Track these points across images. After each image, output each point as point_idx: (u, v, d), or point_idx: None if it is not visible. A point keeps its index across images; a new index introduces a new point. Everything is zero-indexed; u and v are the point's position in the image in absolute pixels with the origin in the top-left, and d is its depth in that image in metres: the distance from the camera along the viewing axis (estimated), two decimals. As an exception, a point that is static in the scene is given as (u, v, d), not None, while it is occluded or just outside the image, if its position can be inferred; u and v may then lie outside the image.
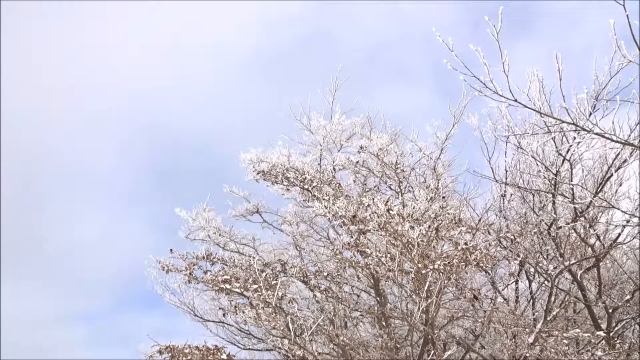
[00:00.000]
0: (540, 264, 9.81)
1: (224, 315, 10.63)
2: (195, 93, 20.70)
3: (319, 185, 10.38)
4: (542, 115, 7.10)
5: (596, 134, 6.72)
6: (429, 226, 8.71)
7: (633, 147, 8.05)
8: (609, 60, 6.73)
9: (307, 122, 11.67)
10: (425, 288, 7.78)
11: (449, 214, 9.47)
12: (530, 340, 8.44)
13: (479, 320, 8.98)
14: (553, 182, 9.49)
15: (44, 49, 19.39)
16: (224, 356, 8.35)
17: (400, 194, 10.96)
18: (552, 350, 8.22)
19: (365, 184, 11.34)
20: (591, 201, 9.08)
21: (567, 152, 9.28)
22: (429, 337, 8.32)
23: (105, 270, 21.74)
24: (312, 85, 12.48)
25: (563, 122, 6.94)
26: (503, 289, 11.20)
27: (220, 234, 12.41)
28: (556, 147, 9.33)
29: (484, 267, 9.00)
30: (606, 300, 9.79)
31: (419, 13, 17.25)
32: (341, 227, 9.71)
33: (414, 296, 8.36)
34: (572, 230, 9.68)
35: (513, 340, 9.08)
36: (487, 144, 10.64)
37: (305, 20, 18.95)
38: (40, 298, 21.73)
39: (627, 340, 10.18)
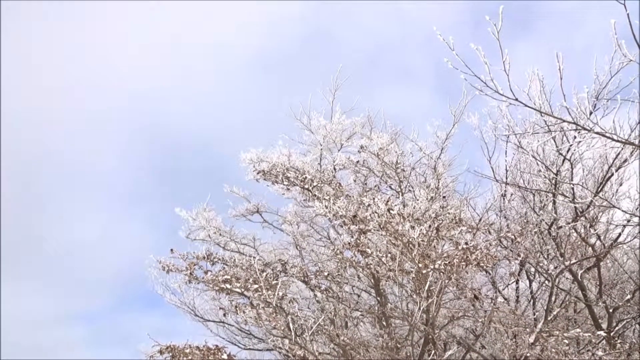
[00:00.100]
0: (541, 264, 9.80)
1: (224, 315, 10.63)
2: (195, 93, 20.71)
3: (319, 185, 10.38)
4: (543, 114, 7.10)
5: (597, 133, 6.72)
6: (430, 226, 8.71)
7: (633, 147, 8.05)
8: (609, 59, 6.74)
9: (307, 121, 11.69)
10: (426, 288, 7.78)
11: (449, 213, 9.46)
12: (531, 340, 8.44)
13: (480, 320, 8.97)
14: (553, 181, 9.49)
15: (44, 49, 19.40)
16: (225, 356, 8.35)
17: (400, 194, 10.96)
18: (553, 350, 8.22)
19: (366, 184, 11.34)
20: (592, 201, 9.07)
21: (568, 151, 9.27)
22: (430, 337, 8.32)
23: (105, 270, 21.75)
24: (312, 85, 12.51)
25: (563, 121, 6.94)
26: (503, 289, 11.20)
27: (220, 234, 12.41)
28: (557, 147, 9.32)
29: (485, 267, 9.00)
30: (607, 300, 9.78)
31: (419, 13, 17.26)
32: (342, 226, 9.71)
33: (414, 296, 8.36)
34: (573, 230, 9.68)
35: (514, 340, 9.07)
36: (488, 143, 10.65)
37: (305, 21, 18.95)
38: (40, 298, 21.75)
39: (628, 340, 10.18)
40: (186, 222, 12.43)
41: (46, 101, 19.75)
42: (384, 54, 19.64)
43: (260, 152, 11.30)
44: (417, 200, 9.98)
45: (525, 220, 10.15)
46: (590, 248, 9.70)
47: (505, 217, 10.72)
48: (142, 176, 21.22)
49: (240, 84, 19.62)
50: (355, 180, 11.36)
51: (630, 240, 10.00)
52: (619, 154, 9.09)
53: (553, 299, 9.65)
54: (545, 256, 9.89)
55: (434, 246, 8.73)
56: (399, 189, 11.06)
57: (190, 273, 9.33)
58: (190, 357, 8.17)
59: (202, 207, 12.44)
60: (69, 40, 19.48)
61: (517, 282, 11.10)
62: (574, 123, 6.74)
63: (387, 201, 9.00)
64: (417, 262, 7.92)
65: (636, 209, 9.39)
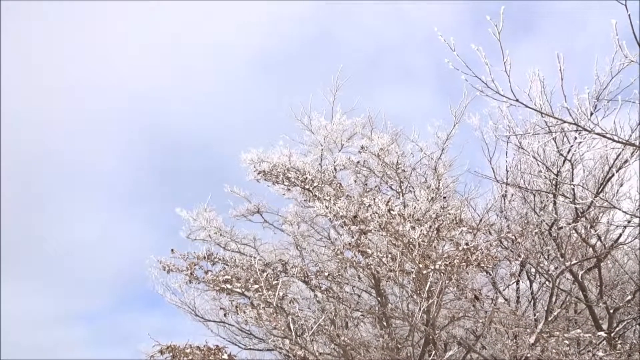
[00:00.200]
0: (541, 265, 9.80)
1: (225, 315, 10.61)
2: (195, 93, 20.70)
3: (319, 185, 10.38)
4: (544, 115, 7.10)
5: (597, 134, 6.71)
6: (430, 226, 8.70)
7: (634, 148, 8.05)
8: (610, 60, 6.74)
9: (307, 122, 11.68)
10: (426, 288, 7.77)
11: (450, 214, 9.46)
12: (532, 340, 8.44)
13: (480, 321, 8.97)
14: (554, 182, 9.49)
15: (44, 49, 19.40)
16: (225, 356, 8.35)
17: (401, 194, 10.96)
18: (553, 350, 8.22)
19: (366, 184, 11.34)
20: (592, 201, 9.07)
21: (568, 152, 9.27)
22: (430, 337, 8.32)
23: (105, 270, 21.76)
24: (312, 85, 12.50)
25: (564, 122, 6.94)
26: (504, 290, 11.20)
27: (221, 234, 12.42)
28: (557, 147, 9.32)
29: (485, 268, 8.99)
30: (607, 301, 9.78)
31: (420, 13, 17.26)
32: (342, 227, 9.71)
33: (415, 296, 8.36)
34: (573, 231, 9.68)
35: (514, 340, 9.07)
36: (488, 144, 10.65)
37: (305, 21, 18.95)
38: (40, 298, 21.75)
39: (628, 341, 10.17)
40: (187, 222, 12.45)
41: (46, 101, 19.76)
42: (384, 54, 19.65)
43: (260, 153, 11.30)
44: (418, 200, 9.98)
45: (525, 221, 10.16)
46: (590, 249, 9.70)
47: (505, 218, 10.72)
48: (142, 176, 21.23)
49: (240, 84, 19.63)
50: (355, 181, 11.36)
51: (631, 241, 10.00)
52: (619, 154, 9.09)
53: (554, 299, 9.64)
54: (546, 257, 9.89)
55: (435, 247, 8.73)
56: (400, 190, 11.07)
57: (191, 273, 9.34)
58: (190, 357, 8.17)
59: (203, 207, 12.45)
60: (69, 40, 19.50)
61: (517, 282, 11.10)
62: (575, 124, 6.74)
63: (388, 202, 9.00)
64: (417, 262, 7.92)
65: (637, 210, 9.39)
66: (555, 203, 9.79)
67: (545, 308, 9.56)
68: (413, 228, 8.36)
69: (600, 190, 9.36)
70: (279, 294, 8.18)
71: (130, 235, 22.50)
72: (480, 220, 10.60)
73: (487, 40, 6.01)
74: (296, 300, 9.27)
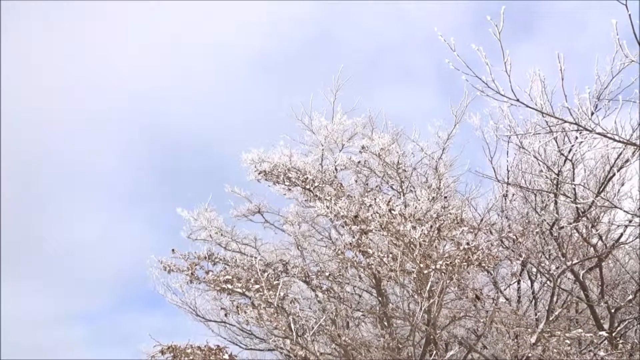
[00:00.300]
0: (543, 264, 9.80)
1: (225, 315, 10.61)
2: (195, 93, 20.70)
3: (320, 185, 10.37)
4: (544, 115, 7.09)
5: (598, 133, 6.71)
6: (431, 226, 8.70)
7: (635, 147, 8.04)
8: (610, 60, 6.73)
9: (308, 122, 11.66)
10: (427, 288, 7.77)
11: (450, 214, 9.46)
12: (533, 340, 8.43)
13: (481, 321, 8.97)
14: (555, 182, 9.48)
15: (44, 49, 19.41)
16: (226, 356, 8.36)
17: (402, 194, 10.95)
18: (555, 350, 8.22)
19: (367, 184, 11.33)
20: (593, 201, 9.07)
21: (569, 152, 9.26)
22: (431, 337, 8.32)
23: (105, 270, 21.78)
24: (313, 86, 12.47)
25: (565, 121, 6.93)
26: (505, 289, 11.20)
27: (222, 234, 12.41)
28: (558, 147, 9.31)
29: (486, 267, 8.98)
30: (608, 300, 9.78)
31: (420, 13, 17.26)
32: (343, 227, 9.71)
33: (415, 296, 8.36)
34: (574, 230, 9.67)
35: (515, 340, 9.07)
36: (489, 143, 10.64)
37: (306, 21, 18.96)
38: (40, 298, 21.77)
39: (630, 341, 10.17)
40: (187, 222, 12.43)
41: (46, 101, 19.78)
42: (384, 54, 19.65)
43: (261, 153, 11.30)
44: (419, 200, 9.97)
45: (526, 221, 10.15)
46: (592, 248, 9.70)
47: (506, 218, 10.72)
48: (142, 176, 21.24)
49: (240, 84, 19.63)
50: (356, 181, 11.36)
51: (632, 241, 10.00)
52: (620, 154, 9.09)
53: (555, 299, 9.64)
54: (547, 256, 9.89)
55: (436, 246, 8.73)
56: (401, 190, 11.06)
57: (192, 273, 9.35)
58: (191, 357, 8.18)
59: (204, 207, 12.44)
60: (69, 40, 19.52)
61: (518, 282, 11.09)
62: (576, 123, 6.73)
63: (389, 201, 9.00)
64: (418, 262, 7.92)
65: (638, 209, 9.38)
66: (556, 203, 9.78)
67: (547, 308, 9.55)
68: (414, 228, 8.36)
69: (601, 189, 9.35)
70: (279, 294, 8.18)
71: (131, 235, 22.53)
72: (481, 220, 10.59)
73: (488, 40, 6.01)
74: (297, 300, 9.28)
